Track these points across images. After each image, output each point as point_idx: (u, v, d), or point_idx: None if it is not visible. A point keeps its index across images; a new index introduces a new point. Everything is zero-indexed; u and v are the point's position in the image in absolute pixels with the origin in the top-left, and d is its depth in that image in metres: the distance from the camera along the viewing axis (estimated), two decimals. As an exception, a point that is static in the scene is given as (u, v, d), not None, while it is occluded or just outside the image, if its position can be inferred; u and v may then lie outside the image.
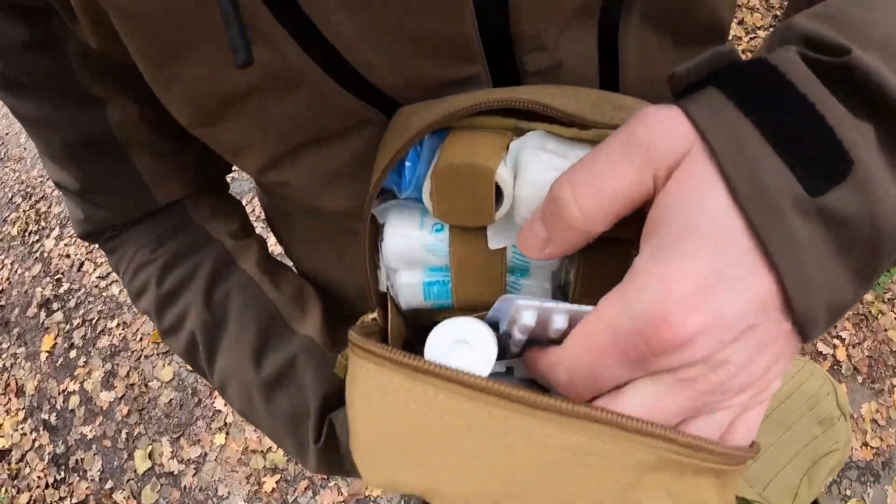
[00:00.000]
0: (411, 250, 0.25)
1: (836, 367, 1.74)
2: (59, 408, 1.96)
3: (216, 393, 1.76)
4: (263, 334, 0.35)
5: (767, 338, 0.17)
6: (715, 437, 0.18)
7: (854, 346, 1.78)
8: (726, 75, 0.18)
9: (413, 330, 0.29)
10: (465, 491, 0.18)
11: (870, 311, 1.88)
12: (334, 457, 0.34)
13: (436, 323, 0.21)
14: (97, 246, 0.45)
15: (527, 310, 0.19)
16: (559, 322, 0.19)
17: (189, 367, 0.39)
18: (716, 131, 0.17)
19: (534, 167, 0.21)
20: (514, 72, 0.25)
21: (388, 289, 0.27)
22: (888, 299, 1.93)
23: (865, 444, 1.63)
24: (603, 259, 0.22)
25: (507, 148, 0.22)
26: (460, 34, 0.23)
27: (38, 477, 1.89)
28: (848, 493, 1.55)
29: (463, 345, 0.20)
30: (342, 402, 0.34)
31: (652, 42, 0.25)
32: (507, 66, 0.25)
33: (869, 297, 1.91)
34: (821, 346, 1.76)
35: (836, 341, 1.79)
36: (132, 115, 0.31)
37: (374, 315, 0.25)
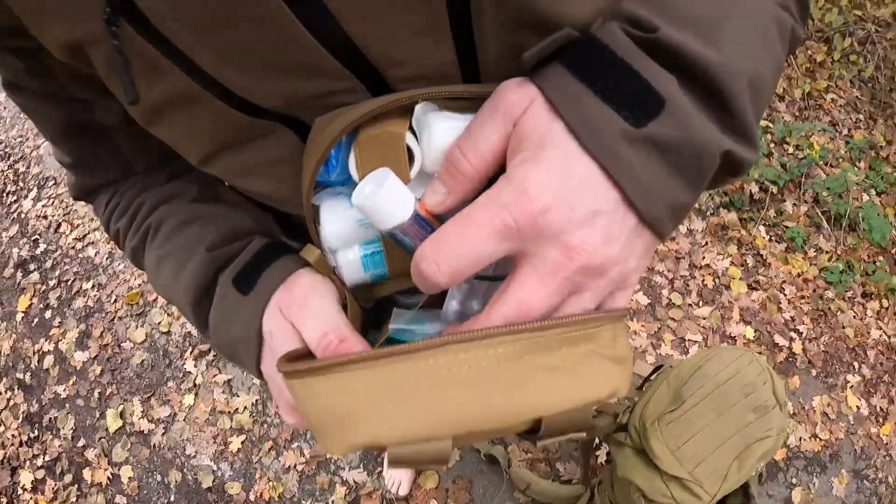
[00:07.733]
0: (346, 228, 0.29)
1: (790, 360, 1.76)
2: (33, 367, 1.97)
3: (186, 355, 1.79)
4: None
5: (614, 228, 0.22)
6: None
7: (811, 341, 1.81)
8: (565, 51, 0.23)
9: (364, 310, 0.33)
10: (391, 431, 0.21)
11: (829, 308, 1.89)
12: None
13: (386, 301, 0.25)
14: (78, 206, 0.50)
15: None
16: None
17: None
18: (551, 87, 0.22)
19: (437, 125, 0.25)
20: (384, 83, 0.27)
21: (333, 270, 0.31)
22: (849, 297, 1.94)
23: (815, 436, 1.65)
24: None
25: (410, 121, 0.26)
26: (307, 56, 0.25)
27: (13, 435, 1.91)
28: (794, 481, 1.58)
29: (381, 183, 0.24)
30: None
31: (509, 41, 0.25)
32: (379, 78, 0.27)
33: (830, 293, 1.93)
34: (777, 339, 1.78)
35: (793, 334, 1.81)
36: (114, 110, 0.36)
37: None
